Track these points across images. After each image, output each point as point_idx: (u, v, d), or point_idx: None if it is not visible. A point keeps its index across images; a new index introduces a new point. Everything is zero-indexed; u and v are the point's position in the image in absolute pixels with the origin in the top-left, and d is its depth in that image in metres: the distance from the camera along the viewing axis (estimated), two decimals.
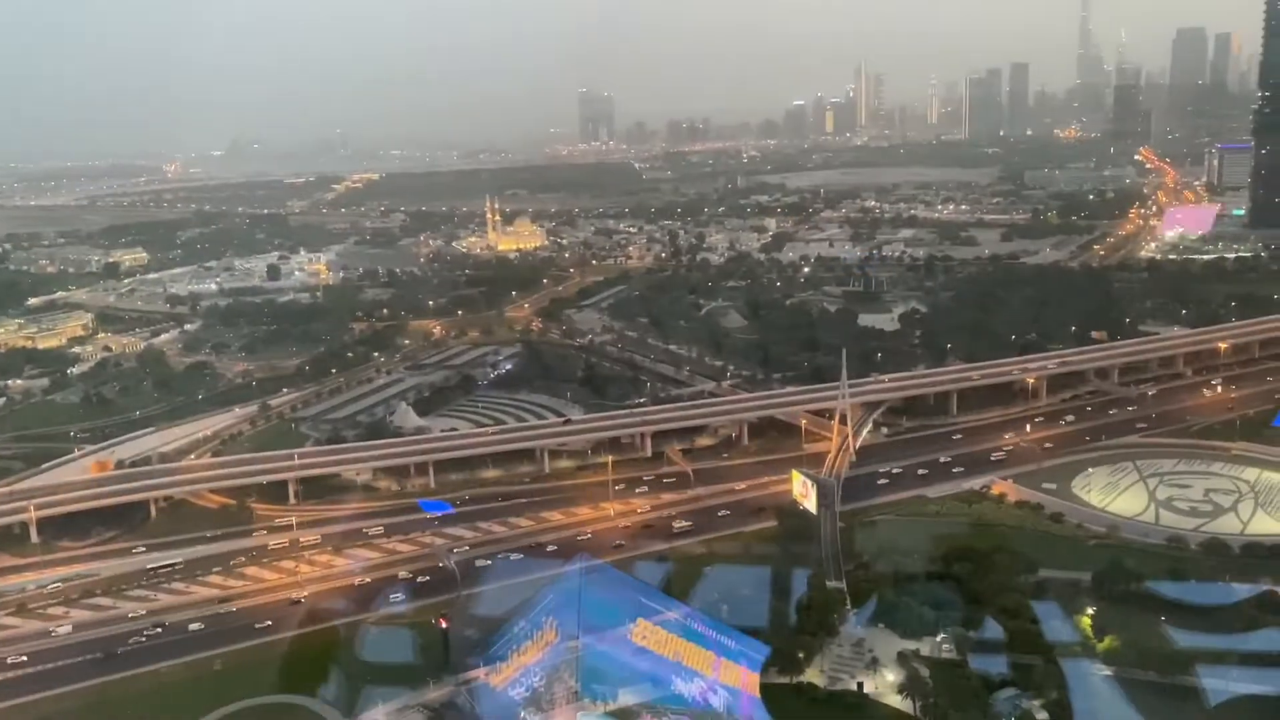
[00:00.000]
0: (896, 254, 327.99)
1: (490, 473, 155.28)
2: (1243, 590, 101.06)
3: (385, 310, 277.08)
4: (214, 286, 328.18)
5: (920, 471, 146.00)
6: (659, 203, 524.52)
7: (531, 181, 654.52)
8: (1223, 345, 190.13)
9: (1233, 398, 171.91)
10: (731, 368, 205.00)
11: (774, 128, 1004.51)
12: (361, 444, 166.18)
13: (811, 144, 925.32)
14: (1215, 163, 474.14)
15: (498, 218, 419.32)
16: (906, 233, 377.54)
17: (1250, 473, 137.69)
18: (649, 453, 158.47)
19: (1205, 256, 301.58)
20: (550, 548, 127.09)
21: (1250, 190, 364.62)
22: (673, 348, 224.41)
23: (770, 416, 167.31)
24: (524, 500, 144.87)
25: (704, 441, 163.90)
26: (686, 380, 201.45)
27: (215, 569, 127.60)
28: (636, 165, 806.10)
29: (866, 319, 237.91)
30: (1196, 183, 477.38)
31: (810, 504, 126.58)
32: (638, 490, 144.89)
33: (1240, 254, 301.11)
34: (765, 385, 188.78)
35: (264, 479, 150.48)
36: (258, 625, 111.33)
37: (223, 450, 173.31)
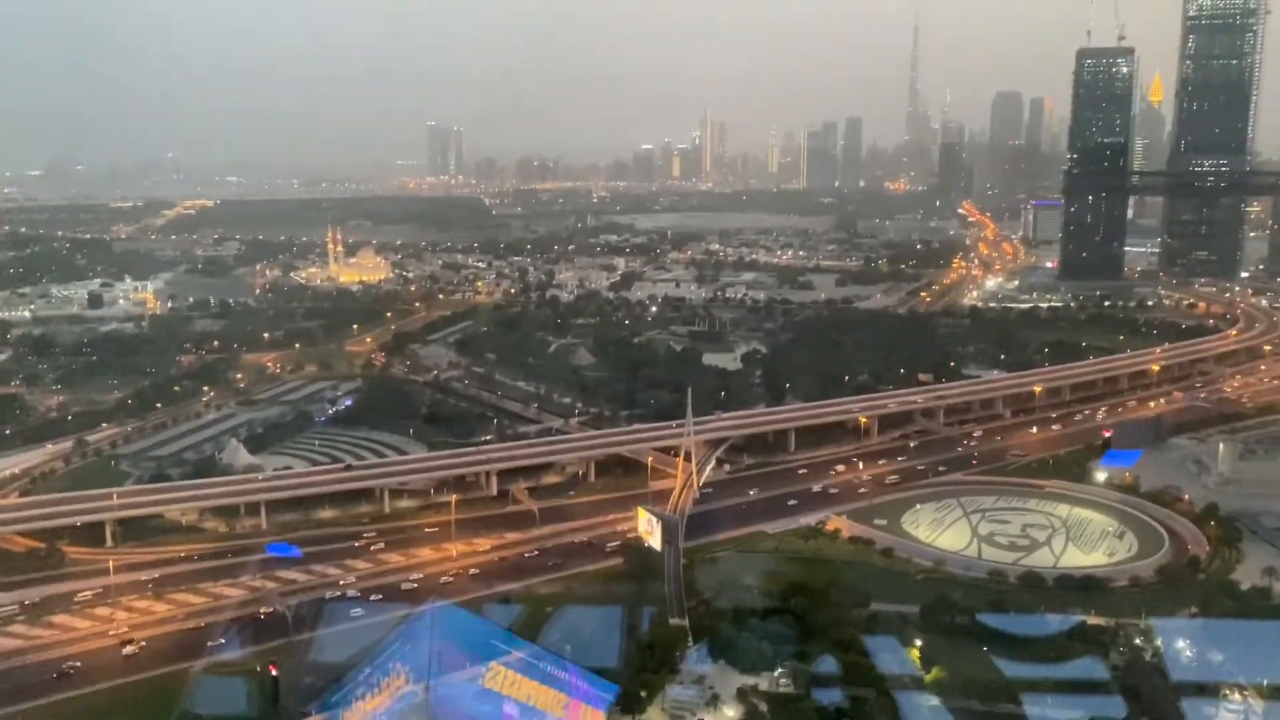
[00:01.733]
0: (739, 296, 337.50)
1: (327, 513, 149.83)
2: (1058, 621, 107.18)
3: (217, 342, 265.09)
4: (27, 314, 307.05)
5: (760, 508, 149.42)
6: (508, 239, 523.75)
7: (377, 213, 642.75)
8: (1038, 388, 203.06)
9: (1046, 438, 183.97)
10: (580, 405, 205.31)
11: (623, 169, 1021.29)
12: (187, 483, 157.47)
13: (659, 187, 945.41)
14: (1030, 218, 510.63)
15: (340, 248, 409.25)
16: (748, 276, 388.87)
17: (1062, 509, 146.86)
18: (494, 491, 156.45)
19: (1022, 305, 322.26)
20: (390, 590, 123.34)
21: (1061, 244, 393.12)
22: (521, 384, 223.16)
23: (617, 454, 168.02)
24: (362, 541, 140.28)
25: (551, 479, 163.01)
26: (534, 417, 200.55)
27: (19, 618, 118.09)
28: (486, 200, 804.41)
29: (711, 358, 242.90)
30: (1014, 236, 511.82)
31: (655, 541, 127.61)
32: (482, 530, 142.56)
33: (1052, 303, 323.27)
34: (613, 422, 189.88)
35: (78, 520, 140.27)
36: (65, 677, 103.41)
37: (32, 489, 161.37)
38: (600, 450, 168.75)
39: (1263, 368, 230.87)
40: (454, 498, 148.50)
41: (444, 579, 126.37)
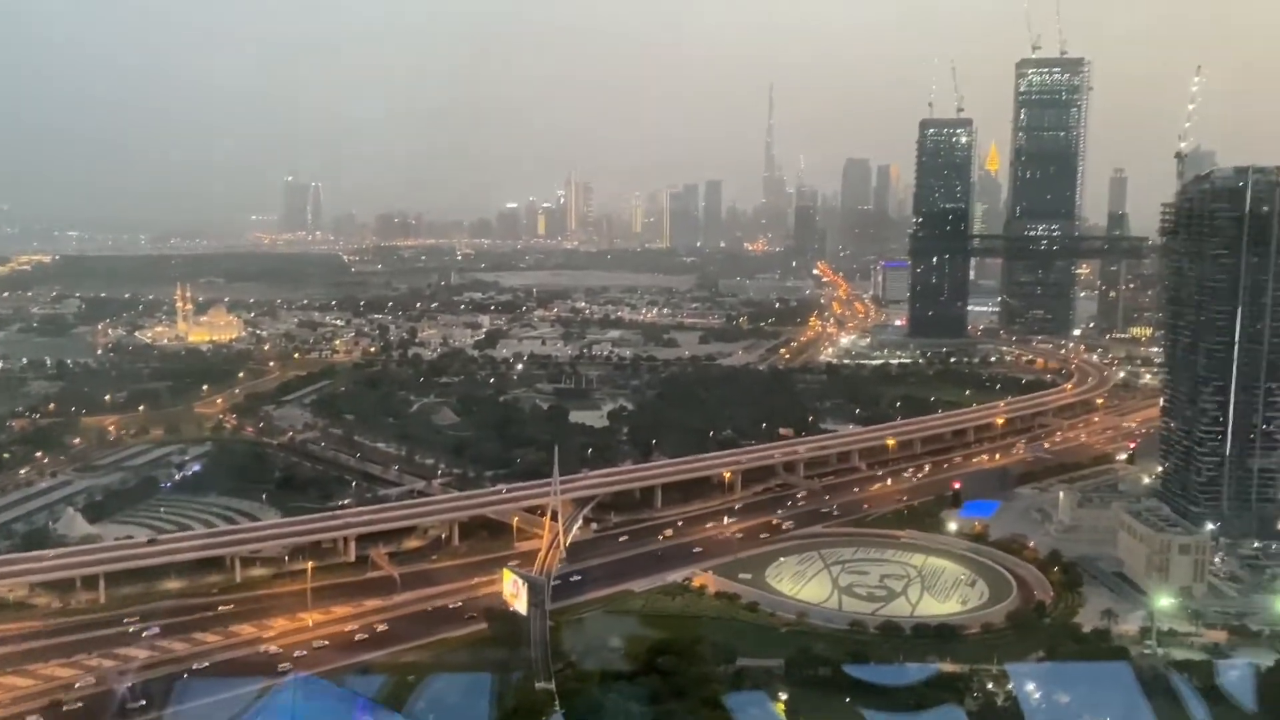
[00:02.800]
0: (605, 353, 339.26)
1: (173, 584, 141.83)
2: (916, 670, 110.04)
3: (53, 405, 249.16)
4: None
5: (628, 566, 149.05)
6: (368, 296, 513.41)
7: (229, 269, 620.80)
8: (891, 441, 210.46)
9: (901, 489, 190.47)
10: (443, 466, 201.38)
11: (487, 227, 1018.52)
12: (17, 555, 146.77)
13: (524, 245, 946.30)
14: (880, 278, 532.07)
15: (190, 306, 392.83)
16: (614, 333, 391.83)
17: (917, 558, 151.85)
18: (353, 557, 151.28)
19: (874, 361, 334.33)
20: (244, 664, 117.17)
21: (909, 303, 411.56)
22: (381, 445, 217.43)
23: (482, 515, 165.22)
24: (211, 613, 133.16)
25: (412, 543, 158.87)
26: (395, 479, 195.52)
27: None
28: (345, 257, 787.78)
29: (578, 416, 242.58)
30: (865, 295, 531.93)
31: (521, 604, 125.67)
32: (340, 598, 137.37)
33: (902, 360, 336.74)
34: (478, 483, 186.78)
35: None
36: None
37: None
38: (464, 512, 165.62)
39: (1096, 419, 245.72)
40: (310, 565, 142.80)
41: (300, 650, 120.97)
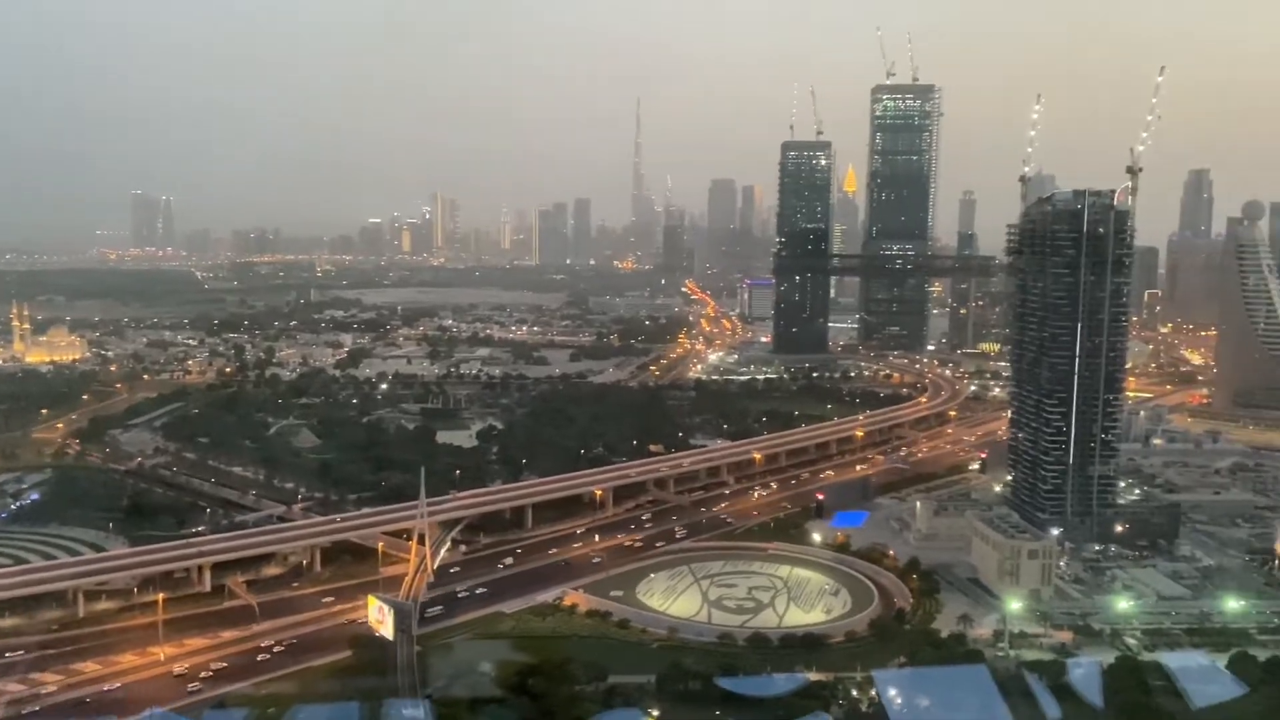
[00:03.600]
0: (474, 372, 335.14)
1: (6, 621, 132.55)
2: (784, 680, 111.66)
3: None
4: None
5: (498, 587, 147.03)
6: (223, 314, 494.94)
7: (72, 286, 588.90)
8: (758, 456, 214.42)
9: (768, 502, 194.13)
10: (303, 490, 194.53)
11: (349, 243, 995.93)
12: None
13: (389, 262, 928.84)
14: (746, 296, 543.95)
15: (27, 326, 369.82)
16: (483, 351, 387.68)
17: (784, 569, 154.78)
18: (208, 587, 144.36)
19: (741, 378, 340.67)
20: (89, 704, 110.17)
21: (774, 321, 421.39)
22: (238, 470, 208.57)
23: (346, 540, 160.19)
24: (51, 651, 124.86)
25: (272, 571, 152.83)
26: (253, 505, 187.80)
27: None
28: (198, 274, 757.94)
29: (445, 436, 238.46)
30: (732, 313, 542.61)
31: (387, 630, 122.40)
32: (194, 629, 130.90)
33: (768, 375, 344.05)
34: (340, 507, 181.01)
35: None
36: None
37: None
38: (326, 537, 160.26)
39: (949, 431, 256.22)
40: (161, 596, 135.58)
41: (151, 687, 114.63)
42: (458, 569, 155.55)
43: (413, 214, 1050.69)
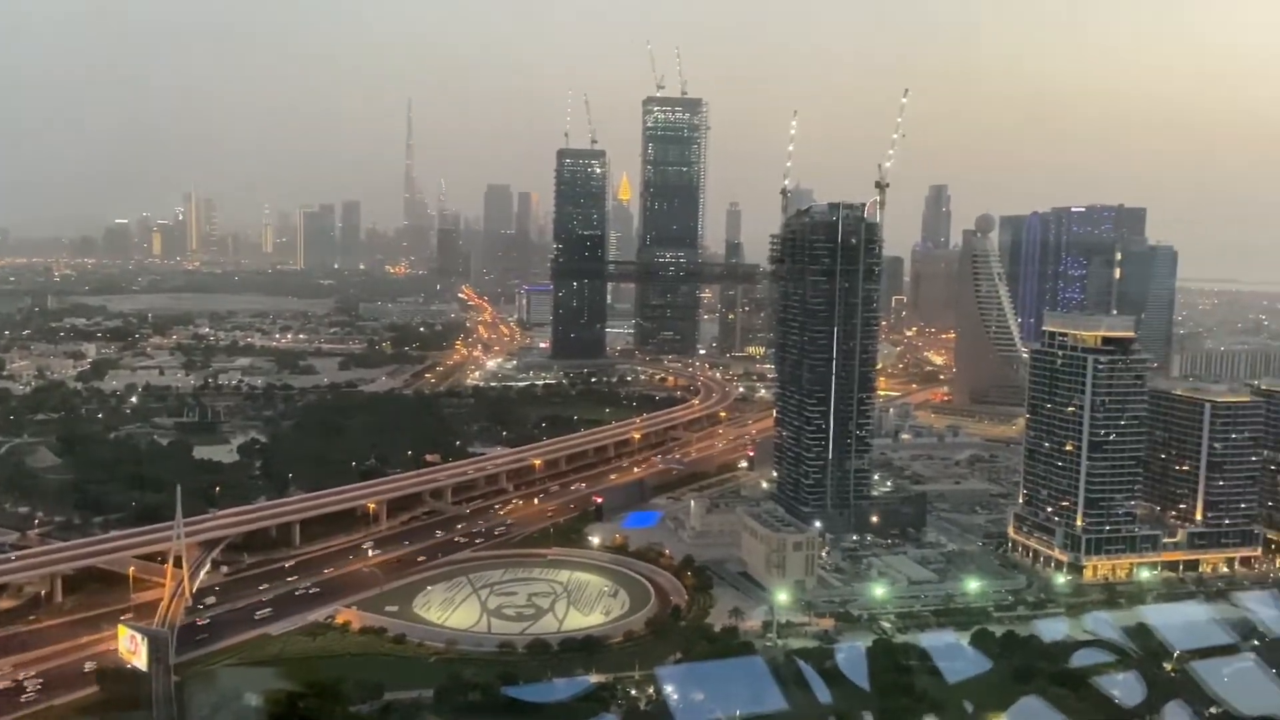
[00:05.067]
0: (234, 383, 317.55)
1: None
2: (566, 685, 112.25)
3: None
4: None
5: (263, 610, 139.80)
6: None
7: None
8: (537, 462, 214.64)
9: (548, 508, 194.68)
10: (41, 514, 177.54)
11: (92, 246, 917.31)
12: None
13: (137, 266, 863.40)
14: (524, 302, 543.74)
15: None
16: (244, 361, 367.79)
17: (564, 574, 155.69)
18: None
19: (520, 384, 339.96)
20: None
21: (552, 326, 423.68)
22: None
23: (91, 566, 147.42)
24: None
25: (4, 604, 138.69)
26: None
27: None
28: None
29: (203, 451, 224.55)
30: (510, 319, 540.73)
31: (141, 660, 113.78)
32: None
33: (547, 381, 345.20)
34: (85, 531, 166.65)
35: None
36: None
37: None
38: (68, 564, 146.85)
39: (720, 431, 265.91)
40: None
41: None
42: (219, 592, 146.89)
43: (164, 214, 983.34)
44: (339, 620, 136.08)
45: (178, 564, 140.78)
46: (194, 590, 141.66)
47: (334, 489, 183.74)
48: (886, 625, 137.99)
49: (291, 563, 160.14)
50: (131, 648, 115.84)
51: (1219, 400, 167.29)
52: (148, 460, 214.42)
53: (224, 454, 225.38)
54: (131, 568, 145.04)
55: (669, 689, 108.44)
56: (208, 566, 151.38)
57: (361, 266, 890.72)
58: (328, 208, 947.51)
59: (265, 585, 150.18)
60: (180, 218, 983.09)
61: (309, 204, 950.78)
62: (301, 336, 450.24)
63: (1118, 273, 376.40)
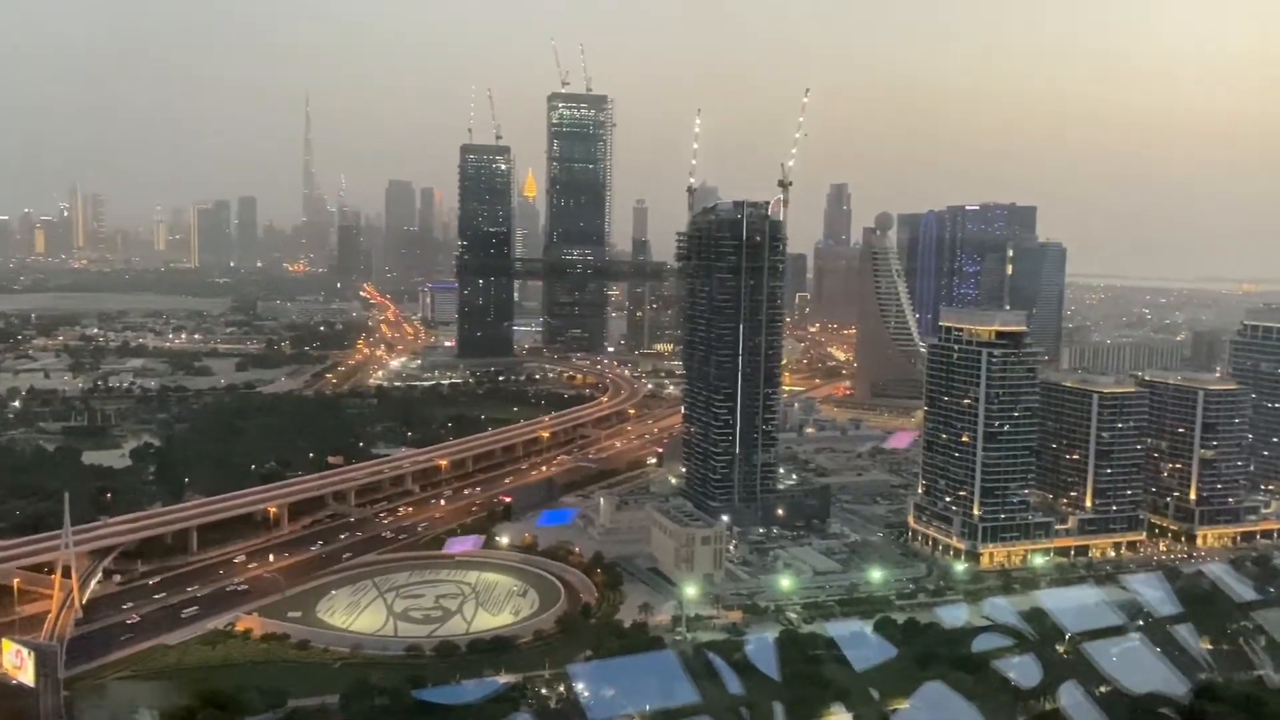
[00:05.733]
0: (126, 385, 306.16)
1: None
2: (475, 687, 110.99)
3: None
4: None
5: (159, 618, 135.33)
6: None
7: None
8: (443, 462, 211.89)
9: (456, 508, 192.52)
10: None
11: None
12: None
13: (19, 264, 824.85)
14: (428, 300, 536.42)
15: None
16: (136, 362, 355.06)
17: (472, 575, 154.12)
18: None
19: (425, 383, 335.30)
20: None
21: (458, 324, 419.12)
22: None
23: None
24: None
25: None
26: None
27: None
28: None
29: (92, 456, 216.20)
30: (414, 317, 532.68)
31: (27, 676, 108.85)
32: None
33: (453, 380, 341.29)
34: None
35: None
36: None
37: None
38: None
39: (629, 428, 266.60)
40: None
41: None
42: (112, 601, 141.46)
43: (48, 210, 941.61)
44: (239, 627, 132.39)
45: (66, 574, 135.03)
46: (84, 601, 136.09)
47: (232, 493, 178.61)
48: (793, 616, 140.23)
49: (189, 570, 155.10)
50: (17, 663, 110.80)
51: (1105, 391, 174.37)
52: (33, 467, 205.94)
53: (115, 459, 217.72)
54: (16, 579, 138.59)
55: (580, 686, 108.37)
56: (99, 576, 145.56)
57: (259, 264, 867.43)
58: (223, 204, 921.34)
59: (161, 593, 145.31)
60: (65, 214, 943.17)
61: (203, 200, 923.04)
62: (196, 337, 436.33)
63: (1010, 269, 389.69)
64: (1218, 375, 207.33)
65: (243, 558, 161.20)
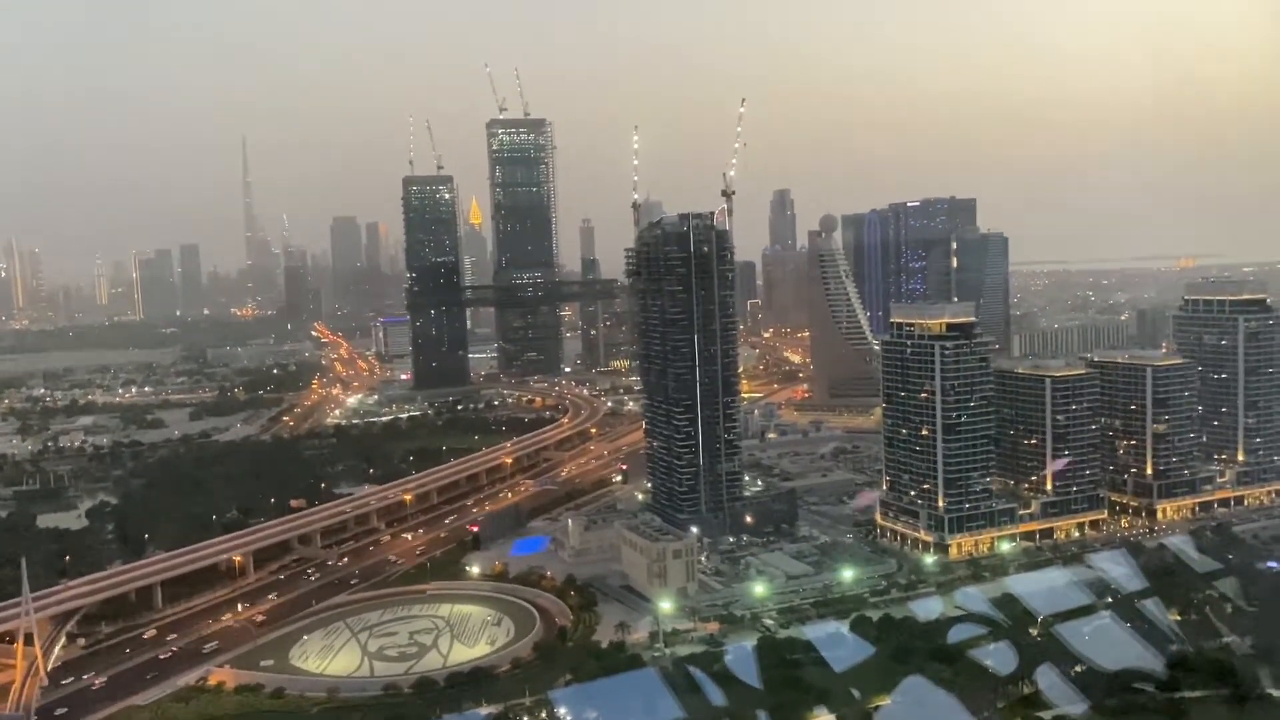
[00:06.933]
0: (77, 444, 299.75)
1: None
2: None
3: None
4: None
5: (128, 679, 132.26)
6: None
7: None
8: (407, 497, 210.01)
9: (423, 542, 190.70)
10: None
11: None
12: None
13: None
14: (381, 334, 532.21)
15: None
16: (85, 420, 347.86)
17: (445, 608, 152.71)
18: None
19: (383, 418, 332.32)
20: None
21: (412, 357, 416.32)
22: None
23: None
24: None
25: None
26: None
27: None
28: None
29: (48, 519, 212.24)
30: (368, 353, 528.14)
31: None
32: None
33: (411, 413, 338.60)
34: None
35: None
36: None
37: None
38: None
39: (592, 448, 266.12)
40: None
41: None
42: (78, 665, 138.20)
43: None
44: (212, 681, 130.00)
45: (29, 641, 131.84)
46: (49, 668, 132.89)
47: (195, 545, 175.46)
48: (769, 622, 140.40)
49: (155, 628, 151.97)
50: None
51: (1057, 375, 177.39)
52: None
53: (72, 520, 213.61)
54: None
55: (563, 712, 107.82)
56: (62, 641, 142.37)
57: (206, 311, 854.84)
58: (164, 253, 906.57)
59: (127, 652, 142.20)
60: (3, 274, 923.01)
61: (143, 250, 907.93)
62: (147, 389, 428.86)
63: (954, 262, 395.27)
64: (1164, 351, 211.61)
65: (210, 610, 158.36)
